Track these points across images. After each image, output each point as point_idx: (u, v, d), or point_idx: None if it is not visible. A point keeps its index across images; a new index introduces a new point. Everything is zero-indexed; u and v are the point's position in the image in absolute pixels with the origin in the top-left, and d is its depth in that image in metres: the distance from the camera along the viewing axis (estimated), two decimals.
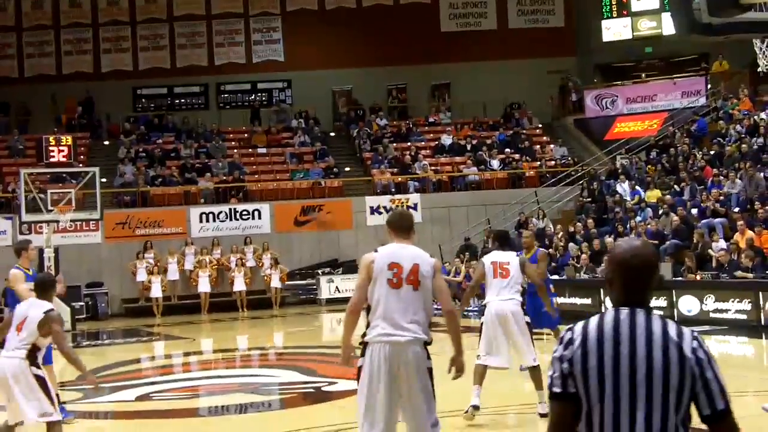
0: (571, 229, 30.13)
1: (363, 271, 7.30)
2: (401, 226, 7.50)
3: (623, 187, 31.67)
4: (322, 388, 14.71)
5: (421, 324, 7.14)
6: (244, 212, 34.46)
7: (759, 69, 27.65)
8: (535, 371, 11.07)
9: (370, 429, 7.01)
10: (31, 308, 9.08)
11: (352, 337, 7.41)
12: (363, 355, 7.14)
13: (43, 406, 8.82)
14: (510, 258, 11.35)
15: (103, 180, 31.70)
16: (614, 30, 42.72)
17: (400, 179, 36.52)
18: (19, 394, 8.75)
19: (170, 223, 34.15)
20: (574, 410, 3.95)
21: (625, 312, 3.95)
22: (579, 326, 4.00)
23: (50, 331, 8.96)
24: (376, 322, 7.11)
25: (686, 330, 3.98)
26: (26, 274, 12.22)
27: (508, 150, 38.20)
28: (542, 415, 10.66)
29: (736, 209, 25.72)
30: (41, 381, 8.88)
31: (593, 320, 4.00)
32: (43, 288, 9.44)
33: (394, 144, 39.01)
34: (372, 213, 35.02)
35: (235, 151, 38.99)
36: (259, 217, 34.26)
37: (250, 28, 43.00)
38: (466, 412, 10.74)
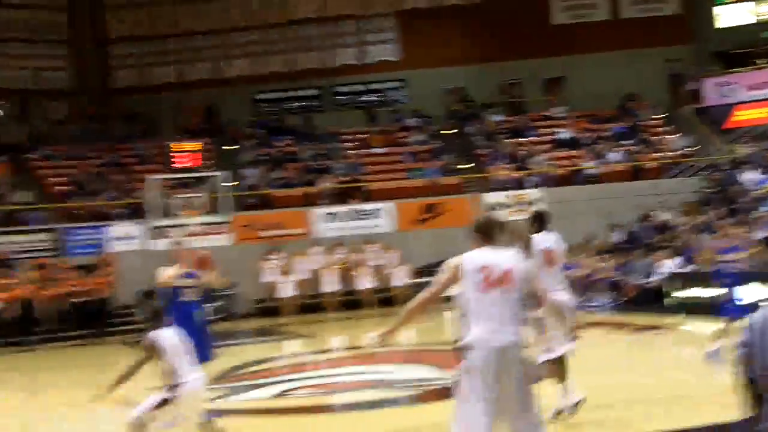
0: (696, 220, 29.77)
1: (447, 274, 7.29)
2: (488, 232, 7.42)
3: (748, 176, 31.21)
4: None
5: (518, 325, 7.11)
6: (366, 212, 34.91)
7: None
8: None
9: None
10: None
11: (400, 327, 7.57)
12: (462, 358, 7.05)
13: None
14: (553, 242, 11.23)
15: (228, 184, 32.39)
16: (731, 15, 42.01)
17: (517, 175, 36.52)
18: None
19: (294, 224, 34.74)
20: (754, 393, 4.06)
21: None
22: (751, 316, 4.14)
23: None
24: (474, 325, 7.06)
25: None
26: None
27: (626, 142, 37.89)
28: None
29: None
30: None
31: (760, 312, 4.13)
32: None
33: (510, 140, 39.04)
34: (491, 210, 35.08)
35: (353, 152, 39.43)
36: (380, 217, 34.68)
37: (363, 28, 43.43)
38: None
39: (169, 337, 9.21)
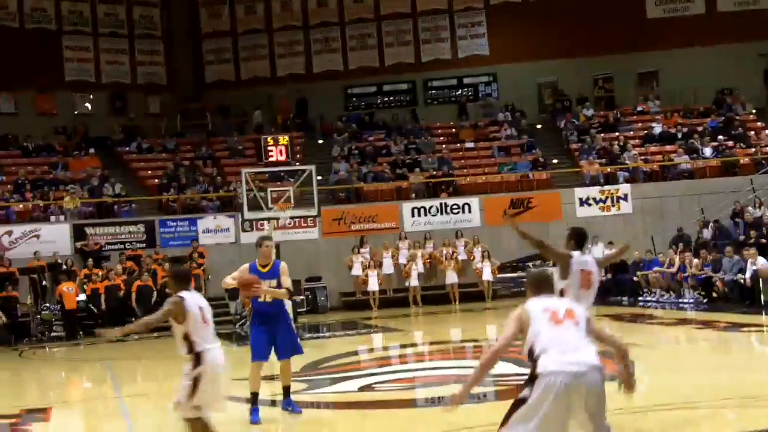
0: None
1: (513, 323, 7.28)
2: (541, 288, 7.52)
3: None
4: None
5: (591, 351, 7.07)
6: (455, 206, 34.94)
7: None
8: None
9: None
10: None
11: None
12: (528, 385, 6.98)
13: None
14: (592, 265, 10.87)
15: (319, 177, 32.63)
16: None
17: (609, 170, 36.22)
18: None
19: (383, 218, 34.94)
20: None
21: None
22: None
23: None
24: (546, 355, 6.99)
25: None
26: (257, 271, 12.46)
27: (720, 137, 37.35)
28: None
29: None
30: None
31: None
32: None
33: (602, 134, 38.73)
34: (581, 204, 34.93)
35: (444, 146, 39.46)
36: (469, 211, 34.67)
37: (454, 23, 43.46)
38: None
39: (195, 300, 9.13)
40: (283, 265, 12.75)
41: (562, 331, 7.08)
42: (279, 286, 12.57)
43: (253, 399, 12.38)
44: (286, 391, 12.71)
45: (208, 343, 8.95)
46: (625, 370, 7.66)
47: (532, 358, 7.08)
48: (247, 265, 12.60)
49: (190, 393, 8.77)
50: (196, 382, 8.74)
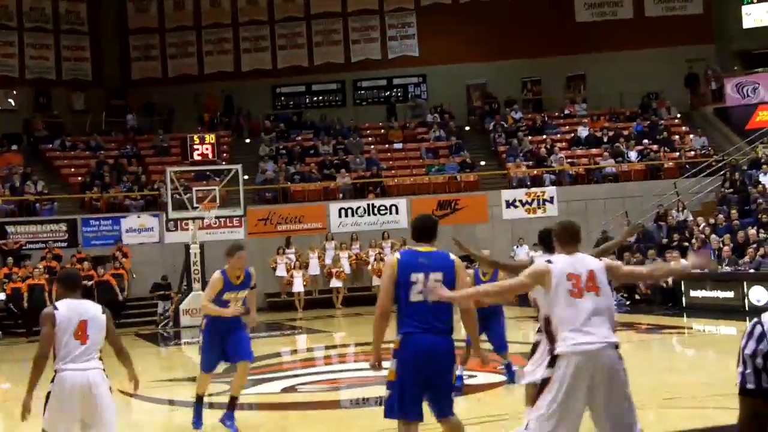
0: (712, 220, 29.61)
1: (531, 277, 7.24)
2: (568, 238, 7.37)
3: (766, 177, 31.03)
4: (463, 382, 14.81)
5: (609, 328, 7.03)
6: (382, 207, 34.89)
7: None
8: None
9: None
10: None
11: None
12: (551, 366, 7.00)
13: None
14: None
15: (245, 177, 32.43)
16: (755, 16, 41.71)
17: (535, 172, 36.42)
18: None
19: (310, 218, 34.78)
20: (766, 406, 3.92)
21: None
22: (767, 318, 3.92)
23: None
24: (564, 334, 6.98)
25: None
26: (230, 284, 11.82)
27: (645, 141, 37.73)
28: None
29: None
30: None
31: None
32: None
33: (529, 137, 38.93)
34: (508, 206, 35.08)
35: (372, 147, 39.41)
36: (397, 212, 34.62)
37: (385, 23, 43.40)
38: None
39: (76, 310, 8.06)
40: (253, 275, 12.15)
41: (581, 305, 6.98)
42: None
43: (198, 400, 12.08)
44: (232, 402, 11.94)
45: (70, 363, 7.95)
46: (699, 259, 7.58)
47: (550, 332, 7.06)
48: (219, 276, 11.84)
49: (43, 411, 8.05)
50: (45, 402, 8.01)
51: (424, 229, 7.89)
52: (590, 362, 6.84)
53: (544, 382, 6.97)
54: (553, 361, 6.96)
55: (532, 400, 7.67)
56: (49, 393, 7.95)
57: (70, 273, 8.82)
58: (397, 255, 7.79)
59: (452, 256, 7.71)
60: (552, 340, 7.06)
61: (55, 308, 8.09)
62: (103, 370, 8.07)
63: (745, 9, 41.76)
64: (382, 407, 7.76)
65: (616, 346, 6.99)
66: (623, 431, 6.95)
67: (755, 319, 4.00)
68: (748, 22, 41.72)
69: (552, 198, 35.19)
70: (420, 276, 7.54)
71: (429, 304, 7.52)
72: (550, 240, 10.38)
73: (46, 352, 8.02)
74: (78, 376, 7.91)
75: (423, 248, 7.76)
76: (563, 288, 7.03)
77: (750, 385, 3.92)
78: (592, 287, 7.05)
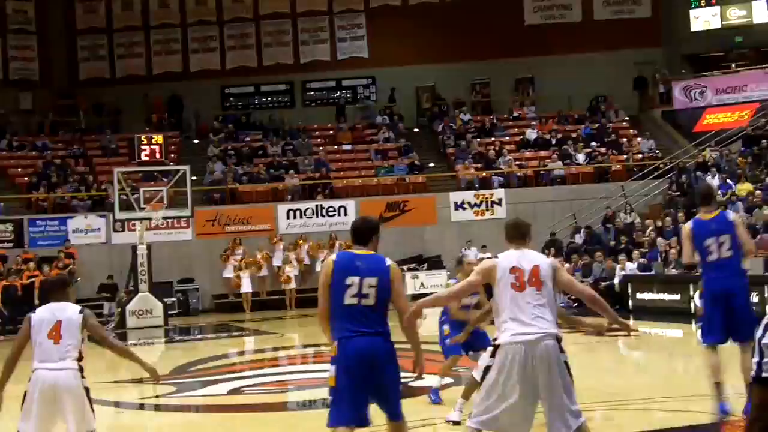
0: (660, 223, 29.81)
1: (479, 276, 7.64)
2: (516, 234, 7.68)
3: (713, 180, 31.28)
4: (409, 384, 14.77)
5: (549, 321, 7.27)
6: (330, 209, 34.81)
7: None
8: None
9: (489, 416, 7.23)
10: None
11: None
12: (493, 356, 7.29)
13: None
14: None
15: (193, 178, 32.27)
16: (703, 19, 42.05)
17: (484, 174, 36.50)
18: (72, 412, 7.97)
19: (258, 219, 34.63)
20: None
21: None
22: None
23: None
24: (505, 325, 7.26)
25: None
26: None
27: (594, 144, 37.97)
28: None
29: None
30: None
31: None
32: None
33: (478, 139, 39.02)
34: (456, 208, 35.15)
35: (321, 148, 39.32)
36: (345, 214, 34.53)
37: (334, 25, 43.28)
38: None
39: (52, 312, 8.14)
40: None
41: (522, 298, 7.28)
42: None
43: None
44: None
45: (44, 362, 7.97)
46: (609, 315, 7.88)
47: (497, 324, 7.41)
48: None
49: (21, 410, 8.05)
50: (23, 401, 8.02)
51: (360, 231, 7.82)
52: (528, 351, 7.10)
53: (486, 371, 7.31)
54: (495, 351, 7.31)
55: (466, 393, 7.81)
56: (26, 392, 7.98)
57: (53, 279, 9.43)
58: (333, 257, 7.69)
59: (388, 261, 7.63)
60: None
61: (33, 311, 8.24)
62: (80, 370, 8.02)
63: (693, 12, 42.09)
64: (329, 408, 7.67)
65: (557, 338, 7.21)
66: (565, 421, 7.13)
67: None
68: (696, 26, 42.05)
69: (500, 200, 35.29)
70: (355, 279, 7.46)
71: (363, 306, 7.45)
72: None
73: (15, 353, 8.15)
74: (49, 375, 7.92)
75: (360, 251, 7.66)
76: (506, 281, 7.34)
77: (765, 374, 3.98)
78: (535, 282, 7.33)
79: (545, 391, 7.13)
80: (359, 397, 7.42)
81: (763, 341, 3.95)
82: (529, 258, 7.46)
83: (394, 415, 7.60)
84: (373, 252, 7.68)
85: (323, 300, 7.64)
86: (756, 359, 3.95)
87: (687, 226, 11.00)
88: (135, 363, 8.43)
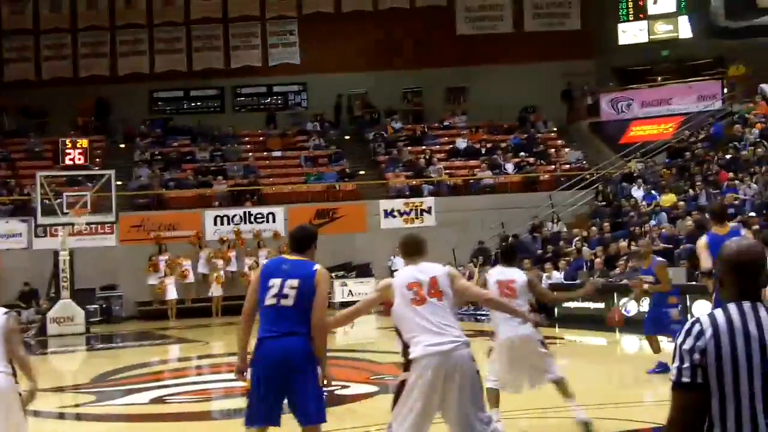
0: (585, 233, 30.06)
1: (378, 294, 7.78)
2: (410, 250, 7.77)
3: (638, 191, 31.63)
4: (335, 392, 14.69)
5: (457, 329, 7.34)
6: (259, 215, 34.61)
7: None
8: (560, 383, 10.89)
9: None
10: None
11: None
12: (406, 370, 7.29)
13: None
14: (515, 276, 10.88)
15: (119, 183, 31.95)
16: (630, 33, 42.54)
17: (414, 183, 36.54)
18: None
19: (185, 225, 34.28)
20: (699, 401, 4.03)
21: (747, 305, 4.07)
22: (706, 318, 4.09)
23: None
24: (416, 339, 7.27)
25: None
26: None
27: (523, 154, 38.23)
28: (582, 422, 10.51)
29: (752, 213, 25.53)
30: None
31: (719, 312, 4.09)
32: None
33: (409, 147, 39.05)
34: (386, 216, 35.15)
35: (251, 154, 39.09)
36: (274, 221, 34.35)
37: (266, 31, 43.03)
38: None
39: None
40: None
41: (425, 311, 7.30)
42: None
43: None
44: None
45: None
46: (507, 310, 8.44)
47: (403, 340, 7.42)
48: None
49: None
50: None
51: (295, 239, 7.99)
52: (444, 362, 7.13)
53: (401, 385, 7.29)
54: (408, 365, 7.32)
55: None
56: None
57: None
58: (265, 262, 8.00)
59: (316, 266, 7.70)
60: (406, 346, 7.39)
61: None
62: (12, 374, 7.77)
63: (621, 26, 42.56)
64: None
65: (468, 345, 7.29)
66: (474, 430, 7.20)
67: (694, 318, 4.16)
68: (624, 39, 42.52)
69: (430, 208, 35.37)
70: (277, 281, 7.57)
71: (281, 307, 7.51)
72: (512, 255, 11.46)
73: None
74: None
75: (291, 257, 7.82)
76: (406, 298, 7.38)
77: (685, 379, 4.03)
78: (435, 293, 7.38)
79: (455, 401, 7.16)
80: (270, 397, 7.47)
81: (683, 347, 4.02)
82: (425, 270, 7.51)
83: (305, 417, 7.54)
84: (306, 259, 7.77)
85: (247, 303, 7.77)
86: (676, 364, 4.02)
87: (703, 239, 12.15)
88: (26, 376, 8.16)
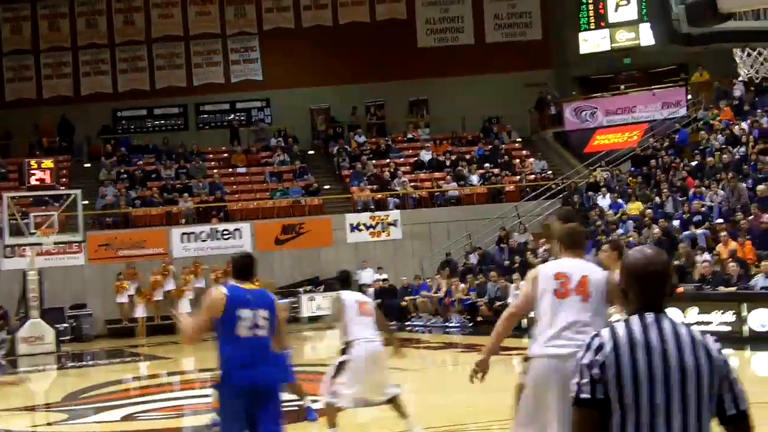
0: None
1: (528, 284, 7.54)
2: (572, 243, 7.61)
3: (604, 200, 31.83)
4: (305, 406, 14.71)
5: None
6: (225, 232, 34.54)
7: (739, 79, 27.82)
8: (396, 400, 11.22)
9: None
10: None
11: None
12: (526, 370, 7.22)
13: None
14: (368, 299, 11.83)
15: (85, 202, 31.80)
16: (592, 42, 42.70)
17: (379, 196, 36.61)
18: None
19: (152, 243, 34.19)
20: (599, 417, 3.96)
21: (650, 317, 4.00)
22: (606, 332, 4.02)
23: None
24: (542, 334, 7.17)
25: (706, 333, 4.05)
26: None
27: (487, 165, 38.37)
28: None
29: (719, 220, 25.75)
30: None
31: (620, 326, 4.03)
32: None
33: (373, 161, 39.12)
34: (352, 230, 35.16)
35: (215, 171, 39.05)
36: (240, 237, 34.30)
37: (227, 48, 43.01)
38: None
39: None
40: None
41: (562, 307, 7.15)
42: None
43: None
44: None
45: None
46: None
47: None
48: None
49: None
50: None
51: (245, 267, 8.05)
52: (559, 366, 6.91)
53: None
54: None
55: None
56: None
57: None
58: (224, 290, 7.80)
59: (271, 295, 8.01)
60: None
61: None
62: None
63: (582, 35, 42.75)
64: None
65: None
66: None
67: (594, 333, 4.08)
68: (584, 48, 42.71)
69: (396, 221, 35.42)
70: (247, 312, 7.67)
71: (253, 338, 7.66)
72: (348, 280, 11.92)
73: None
74: None
75: (246, 285, 7.90)
76: (550, 287, 7.24)
77: (584, 395, 3.96)
78: (582, 291, 7.17)
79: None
80: (238, 426, 7.62)
81: (583, 362, 4.02)
82: (579, 266, 7.38)
83: None
84: (258, 287, 8.04)
85: (200, 325, 7.85)
86: (576, 380, 4.02)
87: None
88: None
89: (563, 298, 7.14)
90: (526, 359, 7.31)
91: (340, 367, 10.87)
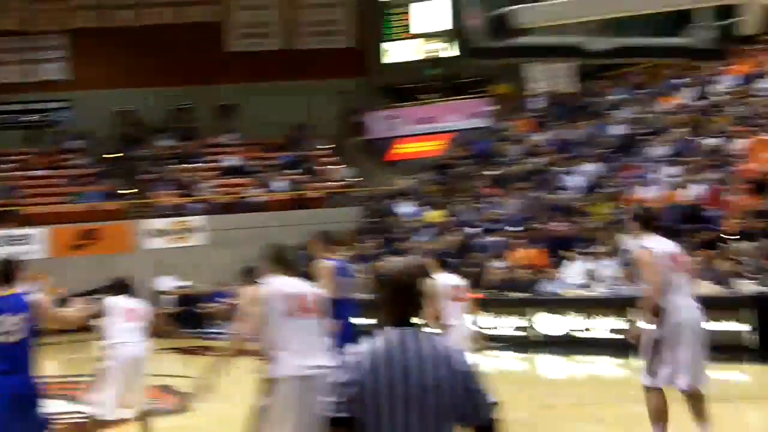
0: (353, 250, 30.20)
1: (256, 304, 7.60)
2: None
3: (406, 208, 32.04)
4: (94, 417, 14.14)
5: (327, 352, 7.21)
6: (17, 237, 33.23)
7: (538, 91, 28.47)
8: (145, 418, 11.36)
9: None
10: None
11: None
12: (269, 392, 7.18)
13: None
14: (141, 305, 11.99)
15: None
16: (397, 51, 43.09)
17: (183, 201, 36.00)
18: None
19: None
20: None
21: (395, 333, 3.97)
22: (355, 350, 4.02)
23: None
24: (284, 356, 7.17)
25: (451, 345, 4.06)
26: None
27: (293, 171, 38.22)
28: None
29: (514, 228, 26.20)
30: None
31: (366, 344, 4.01)
32: None
33: (178, 165, 38.47)
34: (153, 236, 34.44)
35: (10, 173, 37.62)
36: (33, 242, 33.08)
37: (28, 45, 41.53)
38: None
39: None
40: None
41: (301, 327, 7.29)
42: None
43: None
44: None
45: None
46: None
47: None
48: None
49: None
50: None
51: (5, 272, 7.77)
52: (307, 387, 7.03)
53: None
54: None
55: None
56: None
57: None
58: None
59: (27, 297, 7.64)
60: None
61: None
62: None
63: (388, 45, 43.09)
64: None
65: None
66: None
67: (347, 350, 4.08)
68: (391, 57, 43.05)
69: (199, 227, 34.87)
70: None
71: (4, 344, 7.40)
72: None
73: None
74: None
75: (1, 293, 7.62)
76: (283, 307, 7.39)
77: (332, 414, 3.94)
78: (315, 311, 7.46)
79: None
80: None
81: (331, 380, 4.09)
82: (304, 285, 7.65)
83: None
84: (14, 291, 7.66)
85: None
86: (326, 398, 4.04)
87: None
88: None
89: (298, 318, 7.26)
90: (268, 380, 7.26)
91: (103, 375, 10.96)
